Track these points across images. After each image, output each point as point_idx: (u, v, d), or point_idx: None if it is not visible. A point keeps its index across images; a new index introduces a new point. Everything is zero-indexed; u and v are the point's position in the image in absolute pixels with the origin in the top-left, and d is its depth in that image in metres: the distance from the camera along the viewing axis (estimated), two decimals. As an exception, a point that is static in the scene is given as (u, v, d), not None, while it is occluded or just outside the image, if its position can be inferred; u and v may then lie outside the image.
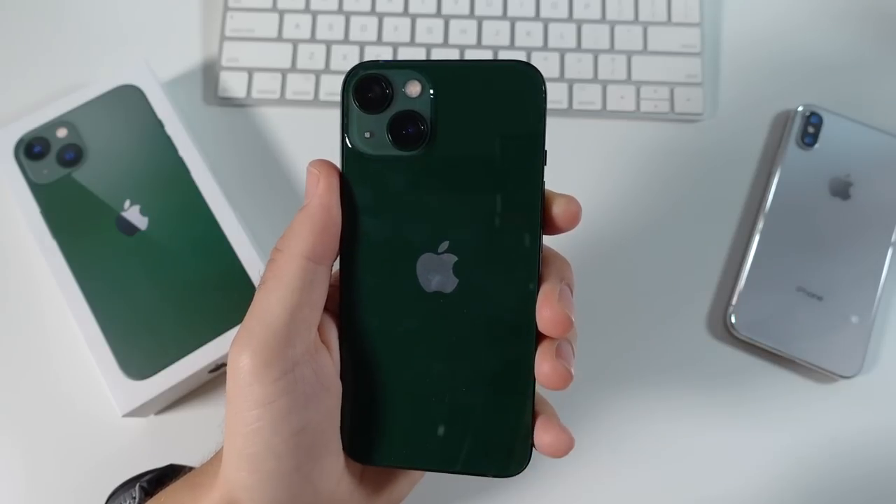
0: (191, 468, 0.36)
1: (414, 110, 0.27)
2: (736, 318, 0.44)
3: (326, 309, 0.28)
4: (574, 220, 0.27)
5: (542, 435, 0.27)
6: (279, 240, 0.28)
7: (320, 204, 0.27)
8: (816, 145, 0.46)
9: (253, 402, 0.26)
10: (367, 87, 0.27)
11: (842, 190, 0.46)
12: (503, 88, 0.27)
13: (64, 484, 0.42)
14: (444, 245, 0.27)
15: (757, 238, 0.45)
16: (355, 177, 0.28)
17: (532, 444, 0.27)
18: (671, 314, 0.45)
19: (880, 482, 0.42)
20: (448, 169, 0.27)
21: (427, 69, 0.27)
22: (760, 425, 0.43)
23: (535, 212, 0.27)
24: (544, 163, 0.27)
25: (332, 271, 0.29)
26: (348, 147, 0.28)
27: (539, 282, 0.27)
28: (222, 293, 0.41)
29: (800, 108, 0.47)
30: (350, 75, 0.28)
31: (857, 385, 0.43)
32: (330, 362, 0.28)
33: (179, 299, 0.41)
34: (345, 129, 0.28)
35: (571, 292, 0.28)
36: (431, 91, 0.27)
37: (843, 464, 0.43)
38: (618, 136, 0.49)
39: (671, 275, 0.46)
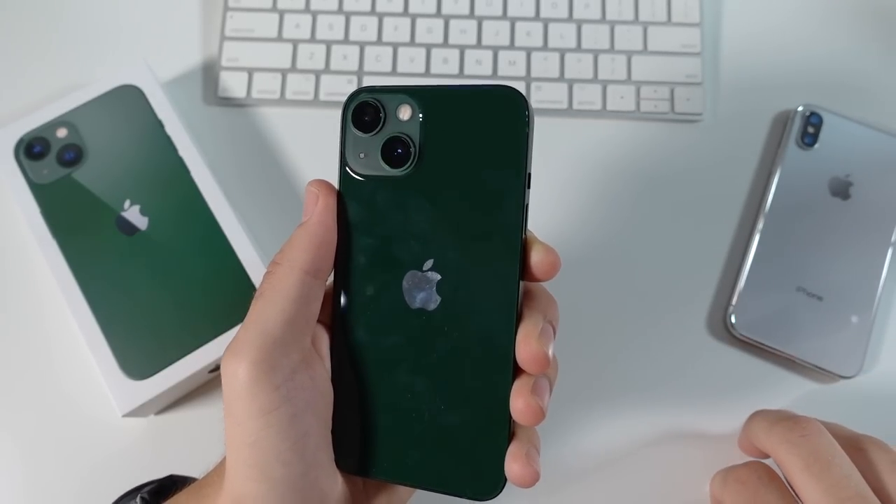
0: (191, 479, 0.36)
1: (403, 133, 0.28)
2: (736, 318, 0.44)
3: (319, 321, 0.29)
4: (552, 270, 0.27)
5: (511, 464, 0.27)
6: (277, 254, 0.28)
7: (319, 221, 0.28)
8: (816, 145, 0.46)
9: (257, 410, 0.26)
10: (363, 110, 0.29)
11: (842, 190, 0.46)
12: (488, 113, 0.27)
13: (64, 484, 0.42)
14: (429, 263, 0.28)
15: (757, 238, 0.45)
16: (351, 195, 0.29)
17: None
18: (671, 314, 0.45)
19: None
20: (434, 190, 0.28)
21: (417, 94, 0.28)
22: (760, 425, 0.43)
23: (515, 233, 0.27)
24: (527, 186, 0.27)
25: (326, 285, 0.29)
26: (345, 167, 0.29)
27: (519, 301, 0.27)
28: (222, 293, 0.41)
29: (800, 108, 0.47)
30: (349, 100, 0.29)
31: (857, 385, 0.43)
32: (324, 371, 0.28)
33: (179, 299, 0.41)
34: (342, 149, 0.29)
35: (554, 331, 0.27)
36: (421, 115, 0.28)
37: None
38: (618, 136, 0.49)
39: (671, 275, 0.46)
